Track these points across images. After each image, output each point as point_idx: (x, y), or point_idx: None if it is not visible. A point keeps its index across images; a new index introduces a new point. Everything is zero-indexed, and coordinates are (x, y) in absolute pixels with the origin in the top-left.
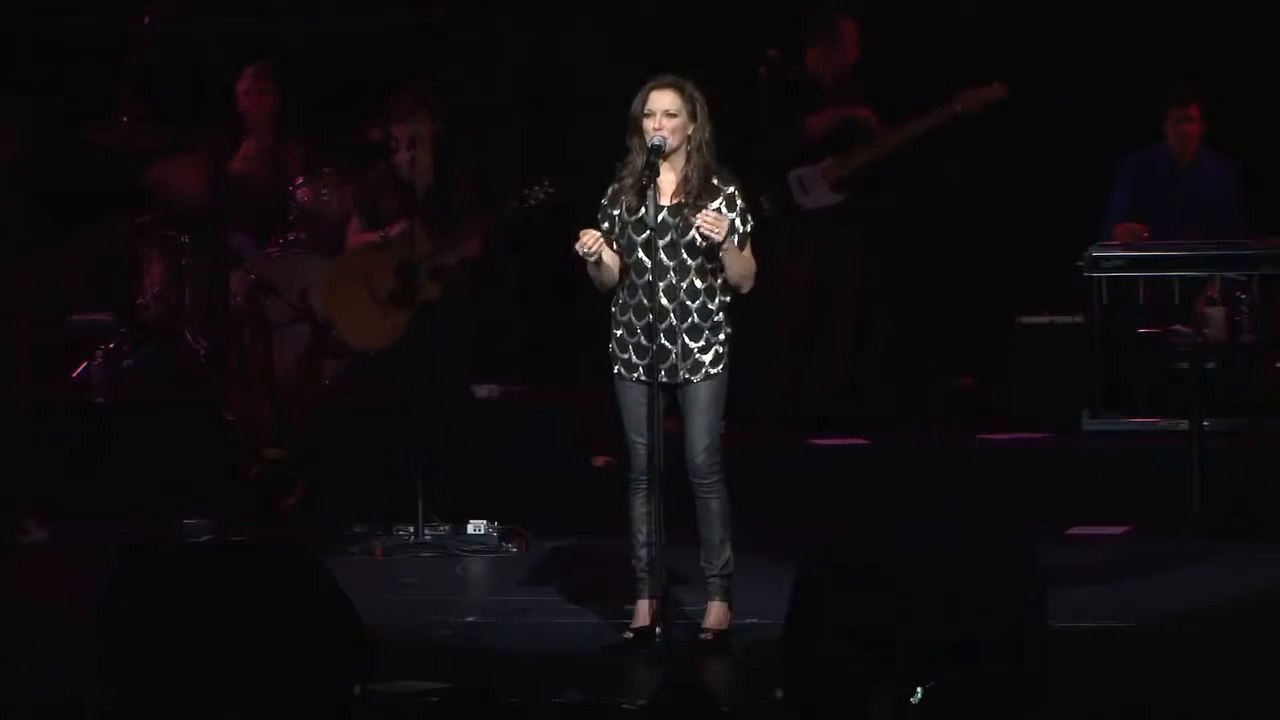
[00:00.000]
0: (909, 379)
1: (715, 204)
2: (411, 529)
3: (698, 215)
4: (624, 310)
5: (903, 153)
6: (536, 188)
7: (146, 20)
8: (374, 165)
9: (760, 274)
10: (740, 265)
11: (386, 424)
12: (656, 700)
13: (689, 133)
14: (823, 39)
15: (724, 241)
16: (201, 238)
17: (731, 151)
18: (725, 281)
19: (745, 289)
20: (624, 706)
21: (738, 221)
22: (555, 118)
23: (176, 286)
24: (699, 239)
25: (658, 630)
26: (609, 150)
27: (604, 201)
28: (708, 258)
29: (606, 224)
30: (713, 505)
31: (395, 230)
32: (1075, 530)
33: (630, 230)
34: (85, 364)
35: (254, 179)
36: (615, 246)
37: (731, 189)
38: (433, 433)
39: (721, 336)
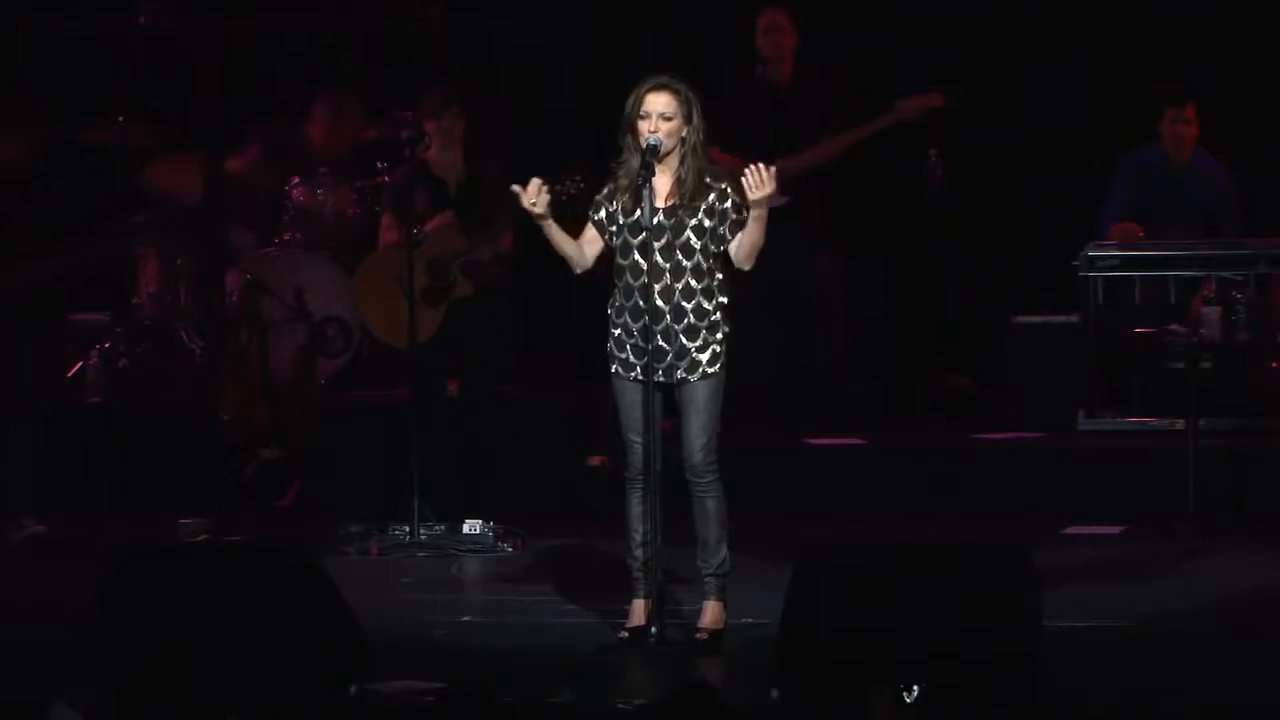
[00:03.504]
0: (905, 379)
1: (709, 199)
2: (407, 528)
3: (748, 183)
4: (620, 312)
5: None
6: (569, 182)
7: (141, 20)
8: (405, 162)
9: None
10: (757, 236)
11: (384, 423)
12: (663, 699)
13: (683, 135)
14: (760, 34)
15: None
16: (197, 237)
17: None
18: (722, 281)
19: (748, 267)
20: (619, 706)
21: (731, 212)
22: (554, 117)
23: (172, 286)
24: (696, 236)
25: (653, 630)
26: (607, 151)
27: (598, 198)
28: (704, 255)
29: (601, 214)
30: (709, 504)
31: (428, 227)
32: (1071, 529)
33: (626, 232)
34: (81, 364)
35: (252, 179)
36: (611, 243)
37: (724, 184)
38: (456, 430)
39: (719, 336)
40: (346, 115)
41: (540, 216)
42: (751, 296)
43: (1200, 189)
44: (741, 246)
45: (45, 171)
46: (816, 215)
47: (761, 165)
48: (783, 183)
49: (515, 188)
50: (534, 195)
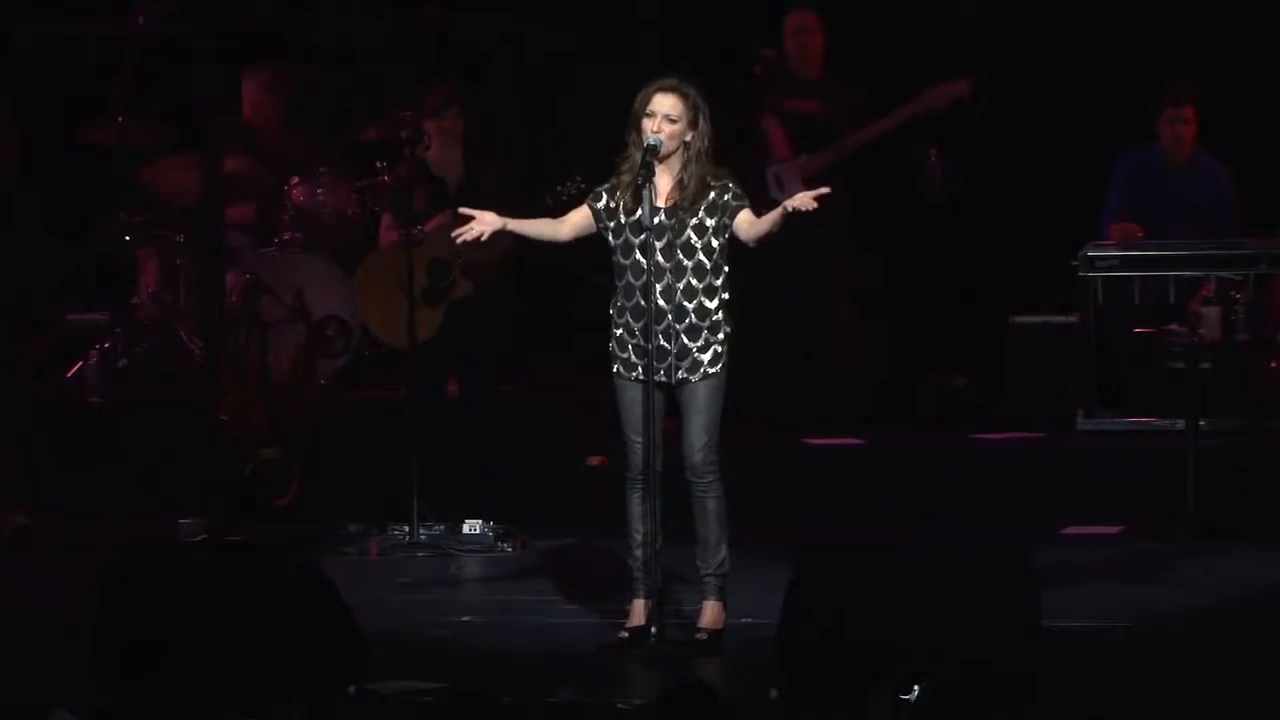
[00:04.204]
0: (904, 379)
1: (710, 197)
2: (407, 528)
3: (794, 203)
4: (622, 312)
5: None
6: (569, 183)
7: (141, 19)
8: (405, 162)
9: (736, 273)
10: (771, 233)
11: (384, 423)
12: (663, 699)
13: (687, 139)
14: (787, 36)
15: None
16: (196, 237)
17: (732, 151)
18: (724, 281)
19: (752, 245)
20: (619, 706)
21: (732, 201)
22: (554, 117)
23: (171, 286)
24: (697, 235)
25: (653, 630)
26: (606, 151)
27: (600, 188)
28: (705, 254)
29: (600, 203)
30: (709, 504)
31: (428, 227)
32: (1070, 530)
33: (628, 231)
34: (80, 363)
35: (249, 179)
36: (611, 240)
37: (724, 180)
38: (456, 430)
39: (720, 336)
40: (273, 89)
41: (495, 233)
42: (779, 295)
43: (1199, 189)
44: (751, 229)
45: (30, 170)
46: (850, 215)
47: (808, 196)
48: (814, 177)
49: (455, 234)
50: (475, 231)
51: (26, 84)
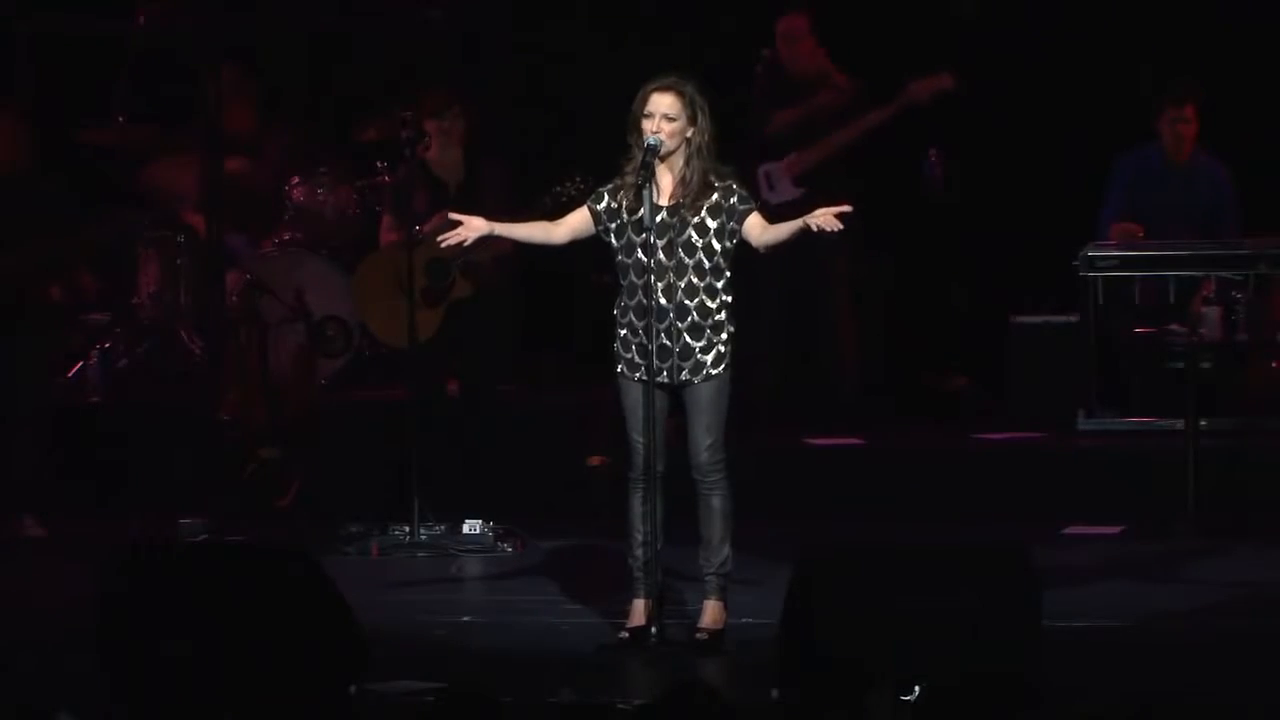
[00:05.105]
0: (905, 379)
1: (713, 198)
2: (407, 528)
3: (817, 220)
4: (625, 312)
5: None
6: (569, 184)
7: (141, 20)
8: (405, 162)
9: (736, 274)
10: (785, 241)
11: (384, 423)
12: (663, 699)
13: (688, 135)
14: (778, 40)
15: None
16: (196, 238)
17: (733, 151)
18: (727, 281)
19: (764, 251)
20: (619, 706)
21: (739, 204)
22: (554, 118)
23: (172, 286)
24: (698, 234)
25: (653, 630)
26: (606, 151)
27: (602, 189)
28: (706, 254)
29: (601, 205)
30: (714, 503)
31: (427, 227)
32: (1070, 529)
33: (630, 230)
34: (81, 363)
35: (248, 179)
36: (614, 240)
37: (729, 181)
38: (456, 430)
39: (724, 336)
40: (233, 91)
41: (483, 239)
42: (776, 295)
43: (1200, 189)
44: (765, 236)
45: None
46: (859, 219)
47: (831, 214)
48: (803, 175)
49: (439, 239)
50: (459, 236)
51: (26, 84)
